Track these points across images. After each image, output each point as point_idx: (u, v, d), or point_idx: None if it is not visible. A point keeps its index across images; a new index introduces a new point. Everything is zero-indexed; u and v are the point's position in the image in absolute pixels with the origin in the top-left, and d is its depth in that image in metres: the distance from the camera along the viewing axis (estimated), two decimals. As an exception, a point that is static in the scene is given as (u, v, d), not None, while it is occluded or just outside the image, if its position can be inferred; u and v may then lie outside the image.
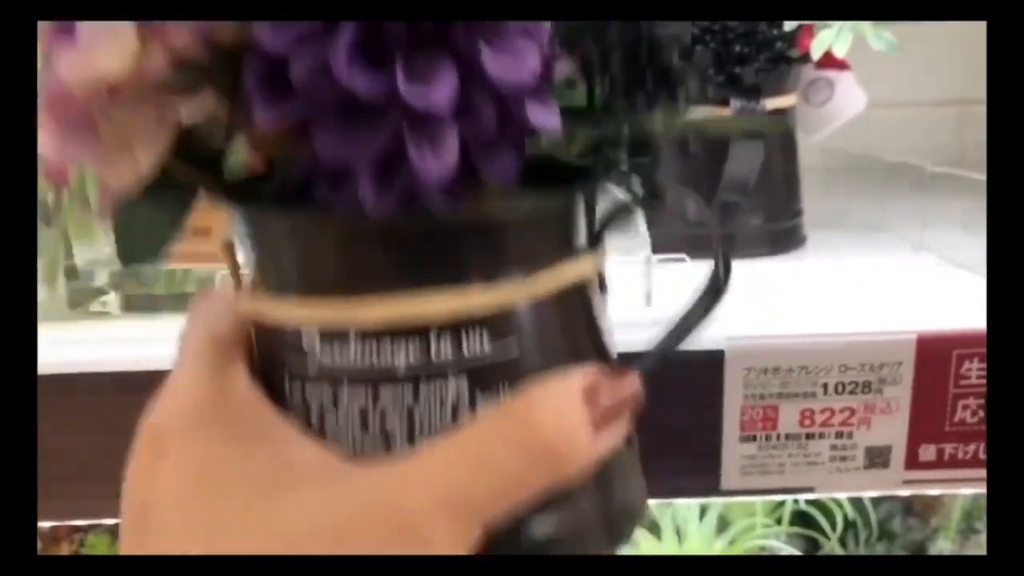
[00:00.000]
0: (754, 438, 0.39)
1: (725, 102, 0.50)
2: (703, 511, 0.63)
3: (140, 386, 0.37)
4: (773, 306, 0.44)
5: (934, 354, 0.38)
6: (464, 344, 0.22)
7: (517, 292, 0.23)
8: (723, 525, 0.65)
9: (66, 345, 0.40)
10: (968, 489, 0.40)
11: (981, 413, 0.38)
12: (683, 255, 0.38)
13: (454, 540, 0.20)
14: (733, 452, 0.39)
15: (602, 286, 0.27)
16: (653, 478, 0.41)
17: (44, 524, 0.68)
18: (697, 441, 0.39)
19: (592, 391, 0.23)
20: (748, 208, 0.53)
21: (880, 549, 0.70)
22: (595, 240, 0.25)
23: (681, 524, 0.63)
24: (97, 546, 0.78)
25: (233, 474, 0.22)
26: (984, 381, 0.38)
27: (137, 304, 0.46)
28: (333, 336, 0.22)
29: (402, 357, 0.22)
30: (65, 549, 0.79)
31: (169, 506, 0.22)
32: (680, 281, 0.39)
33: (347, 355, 0.22)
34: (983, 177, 0.51)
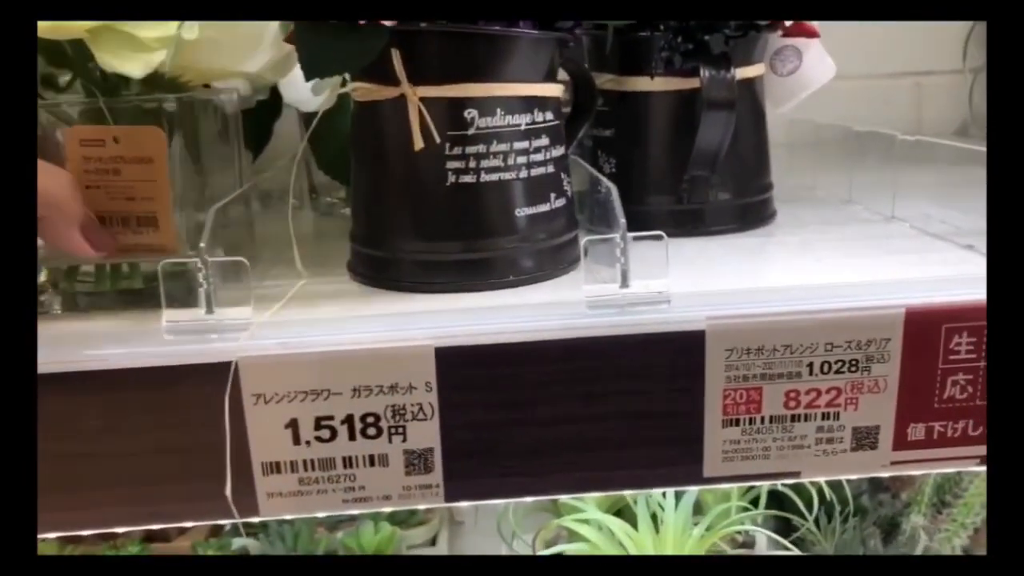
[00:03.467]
0: (737, 422, 0.38)
1: (694, 72, 0.48)
2: (678, 496, 0.61)
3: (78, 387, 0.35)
4: (751, 283, 0.42)
5: (923, 329, 0.36)
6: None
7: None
8: (698, 509, 0.63)
9: None
10: (957, 468, 0.38)
11: (971, 389, 0.37)
12: (660, 232, 0.36)
13: None
14: (715, 437, 0.38)
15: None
16: (632, 468, 0.39)
17: None
18: (677, 427, 0.38)
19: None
20: (716, 183, 0.51)
21: (853, 526, 0.69)
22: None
23: (656, 511, 0.61)
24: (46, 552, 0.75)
25: None
26: (974, 356, 0.36)
27: (79, 303, 0.43)
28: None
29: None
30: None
31: None
32: (657, 259, 0.37)
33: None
34: (956, 144, 0.50)
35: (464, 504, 0.44)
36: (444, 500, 0.38)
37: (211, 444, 0.36)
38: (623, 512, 0.65)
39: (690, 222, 0.52)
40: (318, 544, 0.75)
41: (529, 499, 0.53)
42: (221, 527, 0.82)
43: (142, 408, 0.36)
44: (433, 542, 0.81)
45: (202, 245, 0.36)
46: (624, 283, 0.36)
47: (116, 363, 0.35)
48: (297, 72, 0.57)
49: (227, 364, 0.35)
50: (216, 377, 0.35)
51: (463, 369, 0.36)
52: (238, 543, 0.77)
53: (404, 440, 0.37)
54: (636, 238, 0.36)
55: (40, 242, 0.40)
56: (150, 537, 0.81)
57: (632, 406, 0.37)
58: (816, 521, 0.69)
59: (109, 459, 0.37)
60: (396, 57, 0.40)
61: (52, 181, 0.37)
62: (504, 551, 0.74)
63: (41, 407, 0.36)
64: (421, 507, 0.59)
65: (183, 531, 0.82)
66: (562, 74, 0.47)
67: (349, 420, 0.36)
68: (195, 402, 0.35)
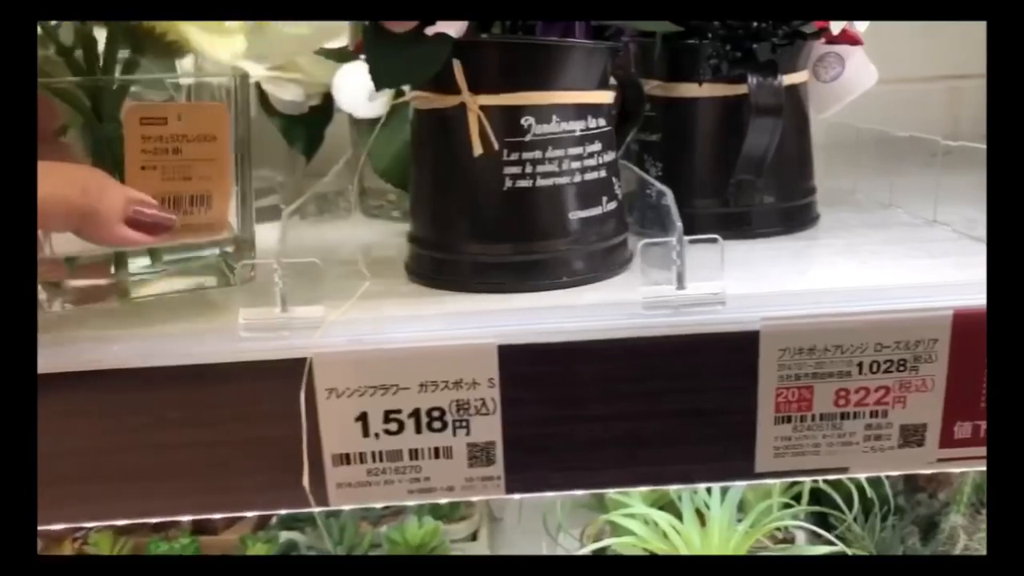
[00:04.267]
0: (788, 419, 0.39)
1: (741, 78, 0.50)
2: (724, 492, 0.63)
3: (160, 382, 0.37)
4: (800, 285, 0.43)
5: (970, 330, 0.37)
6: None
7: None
8: (738, 507, 0.65)
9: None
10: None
11: (1017, 388, 0.38)
12: (715, 236, 0.37)
13: None
14: (767, 434, 0.39)
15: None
16: (686, 462, 0.40)
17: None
18: (731, 423, 0.39)
19: (139, 200, 0.36)
20: (762, 186, 0.53)
21: (892, 524, 0.70)
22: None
23: (700, 507, 0.63)
24: (100, 544, 0.77)
25: None
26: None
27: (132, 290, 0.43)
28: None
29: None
30: (67, 549, 0.77)
31: None
32: (710, 261, 0.39)
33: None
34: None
35: (518, 496, 0.46)
36: (505, 492, 0.39)
37: (285, 437, 0.38)
38: (666, 509, 0.66)
39: (736, 225, 0.53)
40: (363, 538, 0.77)
41: (580, 492, 0.55)
42: (268, 521, 0.84)
43: (220, 402, 0.38)
44: (474, 537, 0.83)
45: (278, 247, 0.38)
46: (680, 284, 0.38)
47: (196, 359, 0.37)
48: (351, 79, 0.59)
49: (302, 360, 0.37)
50: (291, 373, 0.37)
51: (524, 366, 0.38)
52: (285, 536, 0.79)
53: (467, 433, 0.38)
54: (691, 241, 0.38)
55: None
56: (198, 530, 0.83)
57: (686, 403, 0.39)
58: (854, 519, 0.70)
59: (188, 449, 0.39)
60: (457, 67, 0.41)
61: (68, 188, 0.35)
62: (544, 547, 0.76)
63: (123, 400, 0.38)
64: (482, 498, 0.60)
65: (230, 524, 0.84)
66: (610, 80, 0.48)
67: (416, 414, 0.38)
68: (271, 396, 0.37)
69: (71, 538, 0.79)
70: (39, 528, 0.42)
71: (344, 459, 0.38)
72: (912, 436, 0.39)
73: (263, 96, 0.62)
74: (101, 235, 0.37)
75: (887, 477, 0.72)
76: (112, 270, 0.42)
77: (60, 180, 0.35)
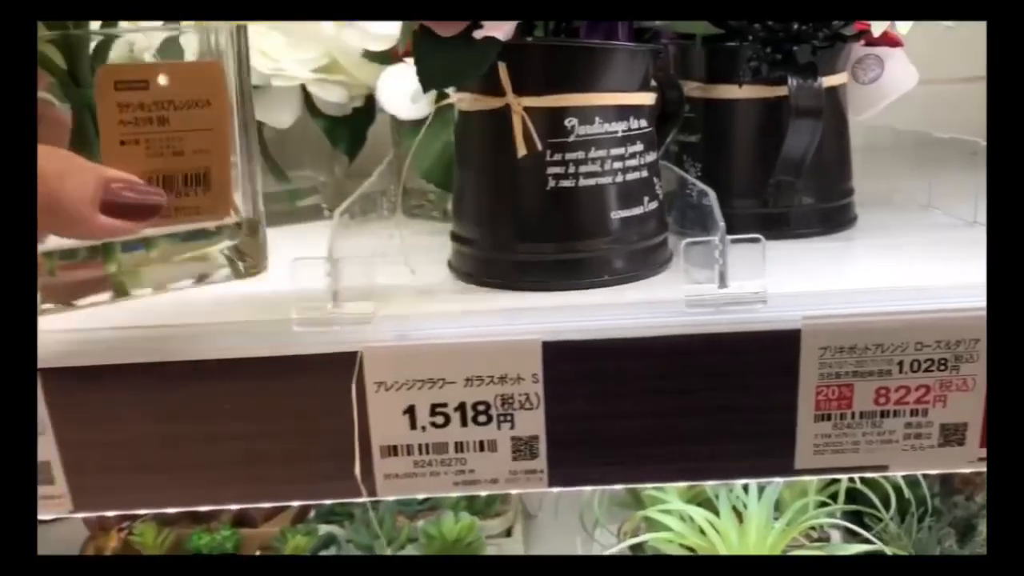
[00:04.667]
0: (829, 417, 0.39)
1: (781, 80, 0.50)
2: (760, 490, 0.63)
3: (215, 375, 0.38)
4: (840, 284, 0.44)
5: (1012, 330, 0.38)
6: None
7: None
8: (776, 506, 0.65)
9: None
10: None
11: (1059, 388, 0.38)
12: (758, 235, 0.38)
13: None
14: (807, 431, 0.39)
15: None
16: (726, 459, 0.41)
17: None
18: (772, 421, 0.40)
19: (114, 178, 0.29)
20: (800, 187, 0.53)
21: (929, 526, 0.70)
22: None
23: (737, 504, 0.63)
24: (145, 535, 0.79)
25: None
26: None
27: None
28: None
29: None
30: (113, 539, 0.79)
31: None
32: (752, 260, 0.39)
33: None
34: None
35: (556, 490, 0.46)
36: (547, 485, 0.40)
37: (335, 429, 0.39)
38: (703, 506, 0.67)
39: (775, 225, 0.53)
40: (401, 531, 0.78)
41: (620, 487, 0.55)
42: (307, 515, 0.86)
43: (273, 394, 0.39)
44: (508, 533, 0.84)
45: (330, 245, 0.39)
46: (722, 283, 0.39)
47: (250, 353, 0.39)
48: (394, 81, 0.60)
49: (352, 355, 0.38)
50: (342, 367, 0.38)
51: (568, 362, 0.39)
52: (324, 529, 0.80)
53: (512, 427, 0.39)
54: (734, 240, 0.38)
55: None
56: (239, 522, 0.85)
57: (727, 400, 0.39)
58: (890, 519, 0.70)
59: (241, 441, 0.40)
60: (502, 69, 0.42)
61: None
62: (579, 543, 0.77)
63: (179, 392, 0.40)
64: (524, 491, 0.61)
65: (270, 517, 0.86)
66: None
67: (462, 407, 0.39)
68: (322, 390, 0.39)
69: (116, 528, 0.81)
70: (93, 514, 0.43)
71: (392, 451, 0.39)
72: (952, 435, 0.39)
73: (307, 97, 0.63)
74: (72, 228, 0.30)
75: (924, 479, 0.72)
76: (102, 265, 0.37)
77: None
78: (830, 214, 0.55)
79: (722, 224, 0.38)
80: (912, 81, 0.57)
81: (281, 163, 0.65)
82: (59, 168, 0.29)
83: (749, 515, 0.62)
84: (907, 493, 0.69)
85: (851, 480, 0.68)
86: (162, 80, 0.32)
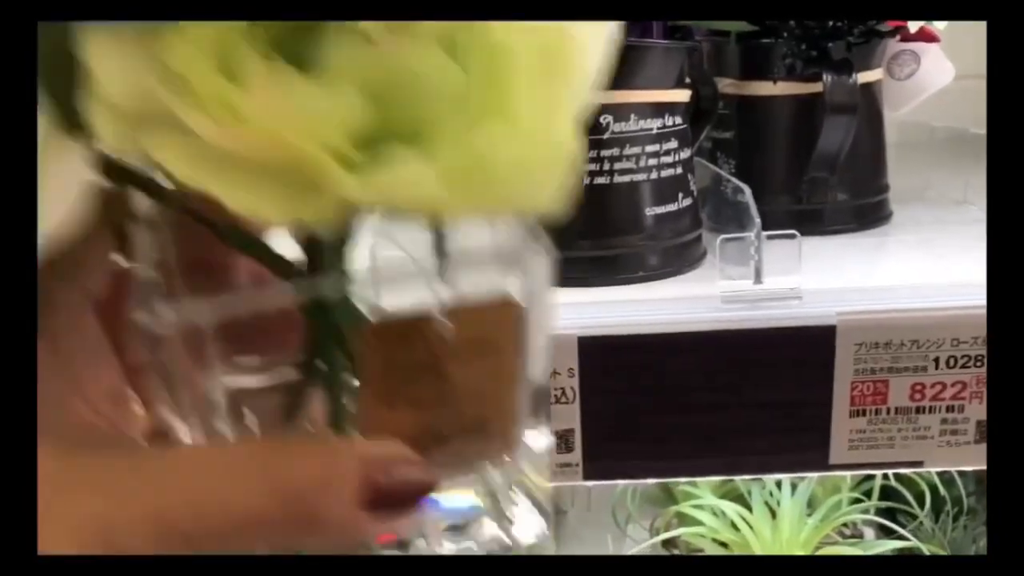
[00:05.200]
0: (864, 412, 0.39)
1: (816, 77, 0.50)
2: (793, 486, 0.63)
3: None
4: (875, 280, 0.44)
5: (1050, 326, 0.37)
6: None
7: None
8: (809, 503, 0.65)
9: None
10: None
11: (1098, 385, 0.38)
12: (793, 231, 0.38)
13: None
14: (842, 427, 0.40)
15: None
16: (761, 453, 0.41)
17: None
18: (806, 416, 0.40)
19: (382, 465, 0.20)
20: (835, 184, 0.53)
21: (964, 525, 0.69)
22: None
23: (770, 500, 0.63)
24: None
25: None
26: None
27: None
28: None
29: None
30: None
31: None
32: (787, 256, 0.40)
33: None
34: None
35: (591, 483, 0.47)
36: (583, 478, 0.41)
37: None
38: (735, 502, 0.67)
39: (809, 221, 0.53)
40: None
41: (653, 481, 0.56)
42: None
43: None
44: (539, 528, 0.84)
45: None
46: (758, 279, 0.39)
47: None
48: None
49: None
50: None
51: (603, 357, 0.39)
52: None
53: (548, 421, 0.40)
54: (769, 237, 0.39)
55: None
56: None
57: (762, 395, 0.40)
58: (925, 517, 0.69)
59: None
60: (538, 67, 0.43)
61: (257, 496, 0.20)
62: (610, 540, 0.77)
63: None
64: (560, 484, 0.62)
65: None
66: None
67: (499, 401, 0.40)
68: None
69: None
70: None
71: None
72: (989, 431, 0.39)
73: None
74: (328, 538, 0.21)
75: (960, 476, 0.71)
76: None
77: (238, 477, 0.20)
78: (865, 210, 0.55)
79: (758, 220, 0.39)
80: (948, 77, 0.57)
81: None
82: (321, 476, 0.21)
83: (782, 511, 0.62)
84: (942, 491, 0.69)
85: (885, 477, 0.68)
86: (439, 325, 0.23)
